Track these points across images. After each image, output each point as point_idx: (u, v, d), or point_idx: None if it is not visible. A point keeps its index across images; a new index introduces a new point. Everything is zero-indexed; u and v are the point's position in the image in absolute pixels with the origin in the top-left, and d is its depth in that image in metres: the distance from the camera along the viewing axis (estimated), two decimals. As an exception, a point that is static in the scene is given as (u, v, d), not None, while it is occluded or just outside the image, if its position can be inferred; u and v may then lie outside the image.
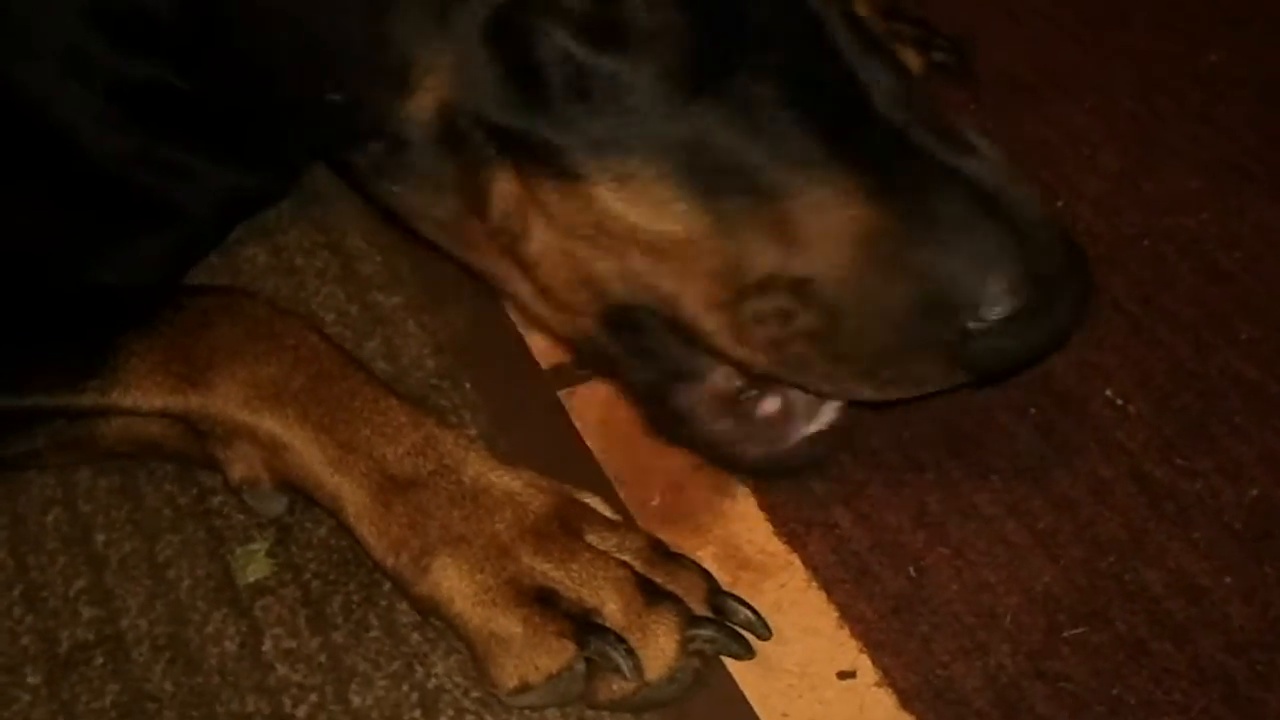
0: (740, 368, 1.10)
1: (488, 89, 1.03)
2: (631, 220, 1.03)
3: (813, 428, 1.15)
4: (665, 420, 1.16)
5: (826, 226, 1.00)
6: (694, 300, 1.05)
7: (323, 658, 1.10)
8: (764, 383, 1.12)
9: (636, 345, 1.12)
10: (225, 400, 1.11)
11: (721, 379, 1.13)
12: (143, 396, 1.13)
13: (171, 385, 1.12)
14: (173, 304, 1.17)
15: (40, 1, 1.19)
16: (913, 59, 1.53)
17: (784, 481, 1.19)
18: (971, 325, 1.00)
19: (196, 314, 1.15)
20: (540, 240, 1.08)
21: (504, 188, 1.07)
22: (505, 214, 1.08)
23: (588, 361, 1.20)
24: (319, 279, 1.38)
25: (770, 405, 1.14)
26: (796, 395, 1.13)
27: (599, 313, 1.11)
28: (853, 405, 1.15)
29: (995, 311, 0.99)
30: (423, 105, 1.05)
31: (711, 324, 1.06)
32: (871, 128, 1.02)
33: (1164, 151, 1.48)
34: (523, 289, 1.14)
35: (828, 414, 1.15)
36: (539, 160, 1.04)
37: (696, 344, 1.10)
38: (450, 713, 1.07)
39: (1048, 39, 1.64)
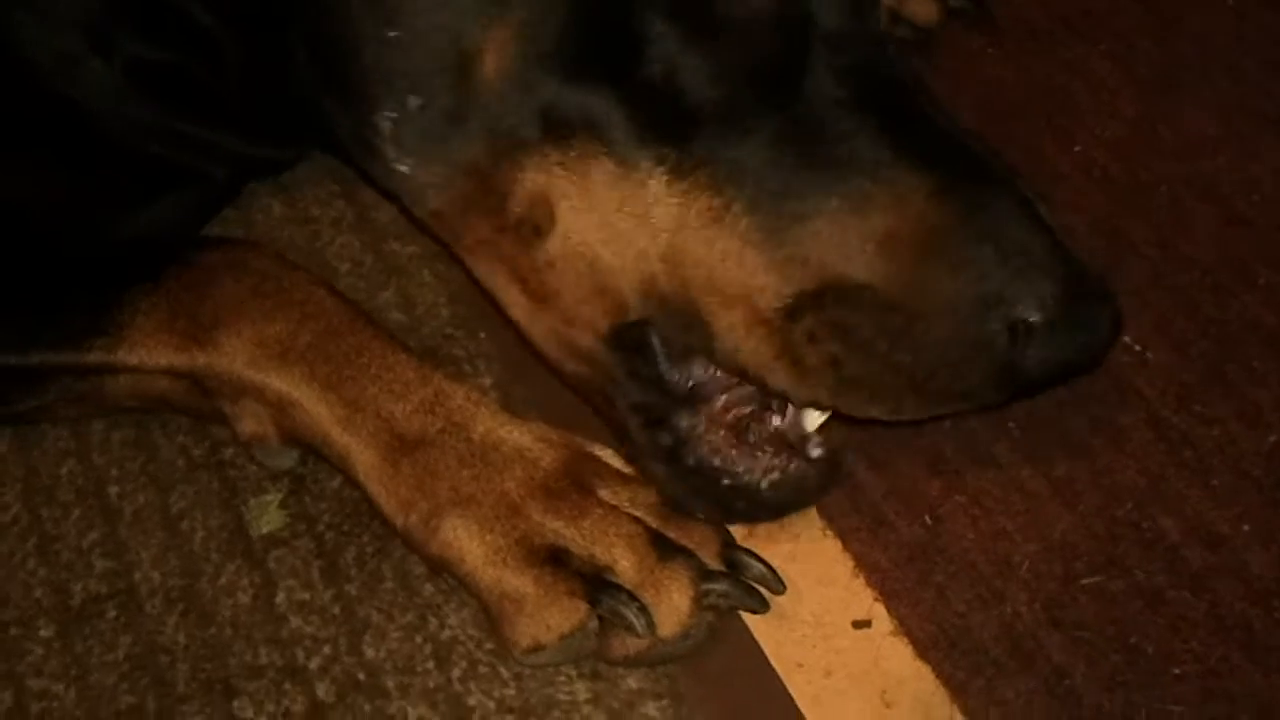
0: (782, 394, 1.06)
1: (556, 51, 1.00)
2: (682, 220, 1.00)
3: (815, 444, 1.10)
4: (660, 451, 1.09)
5: (890, 228, 0.99)
6: (738, 320, 1.02)
7: (336, 609, 1.10)
8: (762, 406, 1.10)
9: (636, 367, 1.08)
10: (231, 358, 1.11)
11: (722, 406, 1.10)
12: (148, 355, 1.13)
13: (177, 343, 1.12)
14: (179, 260, 1.16)
15: None
16: (931, 6, 1.52)
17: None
18: (1025, 319, 0.98)
19: (202, 270, 1.15)
20: (563, 238, 1.04)
21: (534, 176, 1.03)
22: (529, 206, 1.04)
23: (575, 383, 1.14)
24: (334, 228, 1.38)
25: (768, 426, 1.10)
26: (792, 413, 1.10)
27: (603, 331, 1.07)
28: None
29: (1047, 309, 0.99)
30: (480, 59, 1.01)
31: (756, 345, 1.02)
32: (929, 130, 1.02)
33: (1181, 96, 1.47)
34: (518, 299, 1.10)
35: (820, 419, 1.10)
36: (593, 140, 1.01)
37: (697, 368, 1.08)
38: (464, 665, 1.07)
39: (1065, -18, 1.63)
